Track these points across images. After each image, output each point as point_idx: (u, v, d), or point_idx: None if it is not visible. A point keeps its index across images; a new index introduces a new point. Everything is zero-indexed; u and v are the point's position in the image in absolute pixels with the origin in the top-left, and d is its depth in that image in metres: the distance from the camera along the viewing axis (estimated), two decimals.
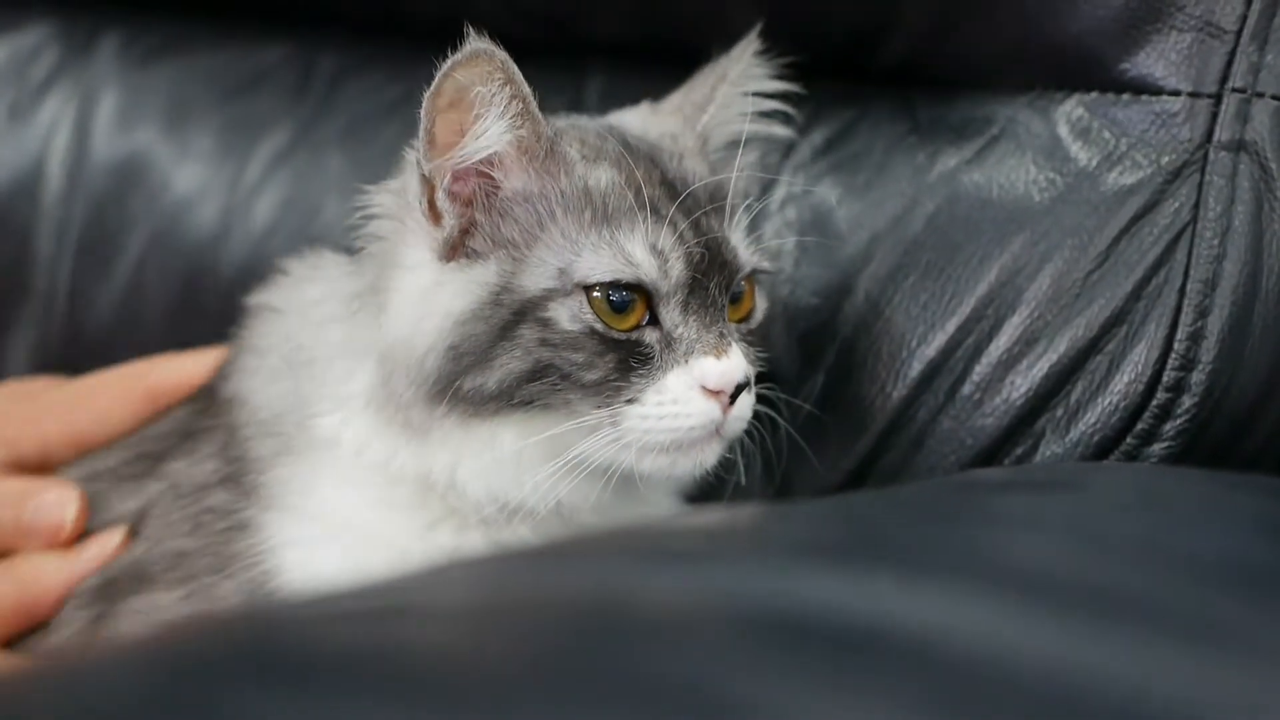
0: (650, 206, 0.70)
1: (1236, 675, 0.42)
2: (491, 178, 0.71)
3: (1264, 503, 0.64)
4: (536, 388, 0.69)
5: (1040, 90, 0.82)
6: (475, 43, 0.67)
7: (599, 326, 0.69)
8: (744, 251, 0.74)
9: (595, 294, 0.69)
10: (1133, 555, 0.53)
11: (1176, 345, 0.76)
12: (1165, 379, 0.76)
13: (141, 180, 1.05)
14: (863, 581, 0.47)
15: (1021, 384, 0.78)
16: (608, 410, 0.69)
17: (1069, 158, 0.80)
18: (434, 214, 0.71)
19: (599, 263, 0.69)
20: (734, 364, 0.70)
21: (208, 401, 0.79)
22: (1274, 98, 0.76)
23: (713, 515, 0.68)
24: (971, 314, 0.80)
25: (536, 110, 0.70)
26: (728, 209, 0.73)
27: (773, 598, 0.44)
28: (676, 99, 0.81)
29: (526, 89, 0.69)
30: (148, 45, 1.09)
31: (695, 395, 0.70)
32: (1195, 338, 0.75)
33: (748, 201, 0.75)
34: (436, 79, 0.68)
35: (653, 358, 0.70)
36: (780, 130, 0.82)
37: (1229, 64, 0.77)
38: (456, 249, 0.71)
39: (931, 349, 0.80)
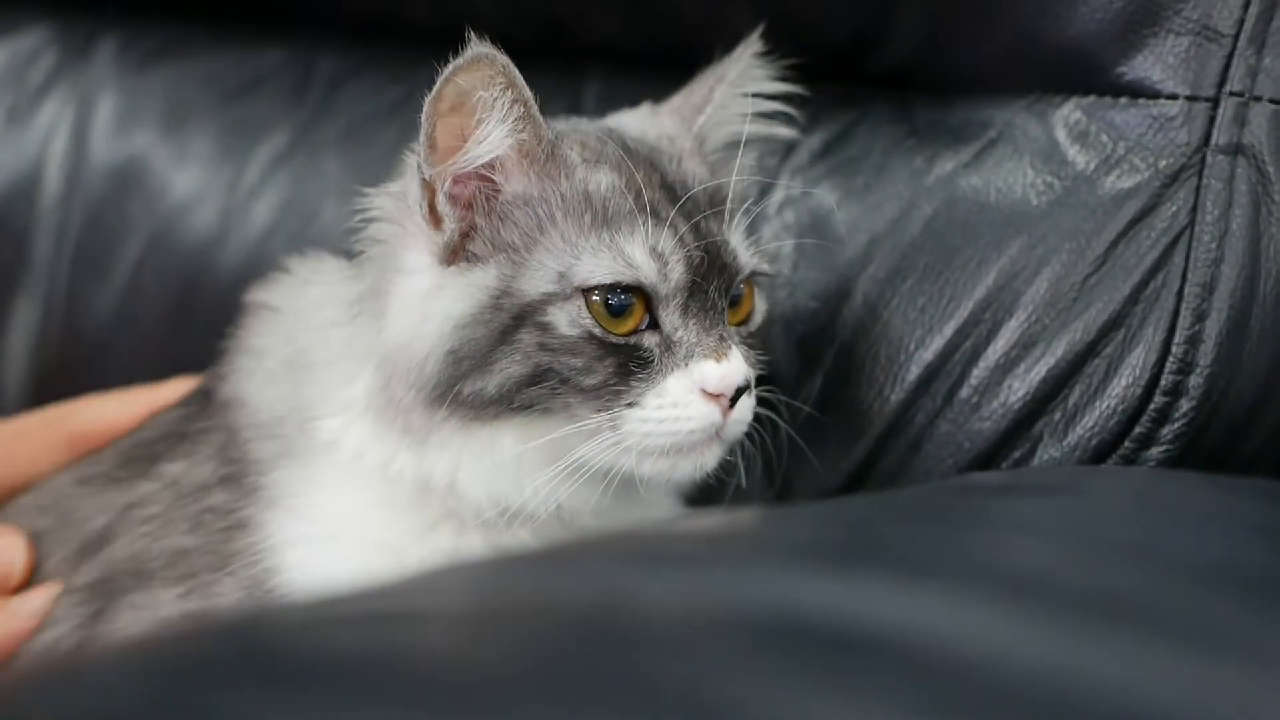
0: (650, 210, 0.70)
1: (1234, 679, 0.42)
2: (492, 181, 0.71)
3: (1261, 506, 0.64)
4: (536, 392, 0.69)
5: (1038, 94, 0.82)
6: (477, 47, 0.67)
7: (597, 331, 0.69)
8: (744, 254, 0.74)
9: (594, 298, 0.69)
10: (1130, 559, 0.53)
11: (1174, 349, 0.76)
12: (1163, 382, 0.76)
13: (140, 183, 1.05)
14: (861, 585, 0.47)
15: (1019, 387, 0.78)
16: (608, 414, 0.69)
17: (1066, 161, 0.80)
18: (434, 218, 0.71)
19: (599, 265, 0.69)
20: (734, 367, 0.70)
21: (202, 403, 0.79)
22: (1271, 101, 0.76)
23: (712, 519, 0.68)
24: (969, 317, 0.79)
25: (538, 114, 0.70)
26: (727, 212, 0.73)
27: (772, 601, 0.44)
28: (677, 101, 0.81)
29: (528, 93, 0.69)
30: (146, 48, 1.08)
31: (695, 398, 0.70)
32: (1193, 341, 0.75)
33: (747, 204, 0.75)
34: (438, 84, 0.68)
35: (652, 361, 0.70)
36: (781, 131, 0.82)
37: (1226, 67, 0.77)
38: (456, 253, 0.71)
39: (929, 352, 0.80)
